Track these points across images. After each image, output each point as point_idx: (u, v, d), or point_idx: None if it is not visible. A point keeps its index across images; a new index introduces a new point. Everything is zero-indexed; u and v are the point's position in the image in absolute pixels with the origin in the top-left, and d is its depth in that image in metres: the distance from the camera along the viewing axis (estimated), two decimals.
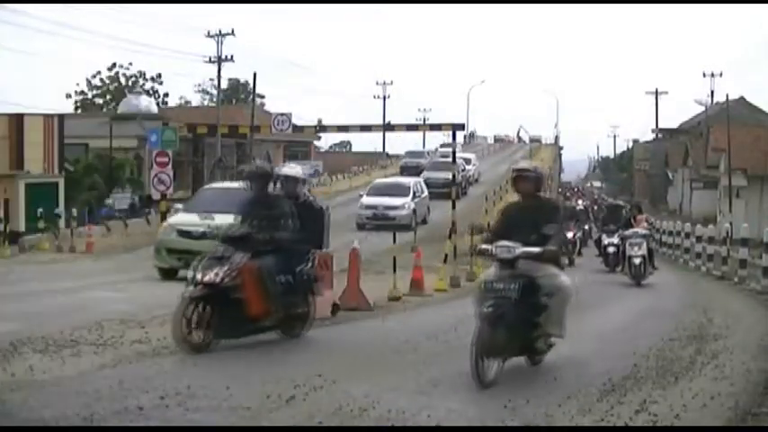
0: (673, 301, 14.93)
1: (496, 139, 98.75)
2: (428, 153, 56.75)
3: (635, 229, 19.12)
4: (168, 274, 15.53)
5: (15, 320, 9.90)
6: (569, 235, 22.31)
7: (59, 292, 13.30)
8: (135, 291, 13.72)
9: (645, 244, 18.45)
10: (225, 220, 12.03)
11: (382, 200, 30.23)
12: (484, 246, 7.76)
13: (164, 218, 19.63)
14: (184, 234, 15.70)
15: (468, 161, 45.94)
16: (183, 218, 16.58)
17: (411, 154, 56.13)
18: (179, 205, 18.86)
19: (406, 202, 30.10)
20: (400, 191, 31.20)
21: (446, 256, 17.92)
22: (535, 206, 7.94)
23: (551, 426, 6.06)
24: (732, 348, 9.32)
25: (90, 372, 7.43)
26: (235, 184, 12.85)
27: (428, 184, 36.24)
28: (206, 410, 6.15)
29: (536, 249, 7.46)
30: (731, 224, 26.30)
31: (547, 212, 7.87)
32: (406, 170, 47.10)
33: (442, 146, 61.92)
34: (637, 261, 18.29)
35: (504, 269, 7.48)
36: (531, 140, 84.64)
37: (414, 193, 31.00)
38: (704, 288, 17.71)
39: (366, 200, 30.78)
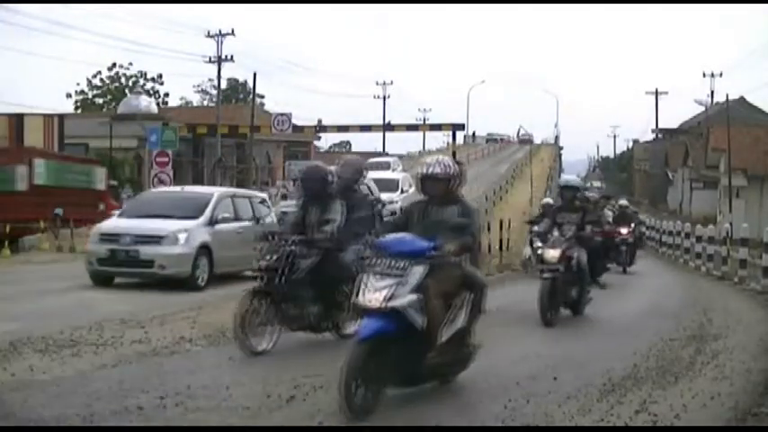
0: (673, 301, 14.93)
1: (489, 139, 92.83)
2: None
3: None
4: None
5: (15, 321, 9.91)
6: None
7: (59, 292, 13.30)
8: (134, 291, 13.71)
9: (572, 236, 11.57)
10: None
11: (139, 225, 14.27)
12: None
13: None
14: None
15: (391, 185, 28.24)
16: None
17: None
18: None
19: (185, 228, 14.17)
20: (187, 209, 14.91)
21: None
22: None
23: (551, 426, 6.06)
24: (732, 348, 9.33)
25: (90, 372, 7.44)
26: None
27: None
28: (206, 410, 6.16)
29: None
30: (731, 224, 26.29)
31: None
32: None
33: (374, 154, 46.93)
34: (546, 276, 10.96)
35: None
36: (521, 140, 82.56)
37: (211, 214, 14.84)
38: (704, 288, 17.70)
39: (109, 225, 15.25)
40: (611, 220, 21.31)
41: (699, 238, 22.69)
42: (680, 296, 15.89)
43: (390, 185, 28.13)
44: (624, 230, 21.55)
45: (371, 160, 45.38)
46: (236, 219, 15.43)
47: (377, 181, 25.72)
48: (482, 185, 46.13)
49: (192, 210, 14.96)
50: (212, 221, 14.84)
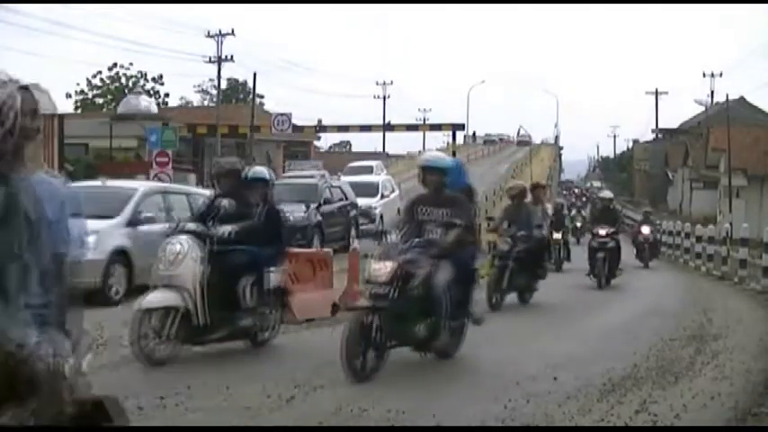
0: (673, 301, 14.93)
1: (486, 140, 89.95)
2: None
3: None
4: None
5: None
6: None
7: None
8: None
9: (418, 244, 7.79)
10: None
11: None
12: None
13: None
14: None
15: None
16: None
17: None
18: None
19: (95, 230, 11.14)
20: (104, 207, 12.34)
21: None
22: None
23: (551, 426, 6.05)
24: (732, 348, 9.32)
25: (90, 372, 7.41)
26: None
27: None
28: (206, 410, 6.16)
29: None
30: (731, 224, 26.27)
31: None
32: None
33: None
34: (359, 305, 7.81)
35: None
36: (520, 141, 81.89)
37: (131, 213, 13.12)
38: (704, 288, 17.69)
39: None
40: (549, 220, 16.22)
41: (699, 238, 22.67)
42: (680, 296, 15.88)
43: (369, 190, 25.60)
44: (603, 231, 16.62)
45: (352, 164, 42.28)
46: (169, 219, 12.15)
47: (354, 185, 23.75)
48: (482, 185, 46.19)
49: (110, 208, 12.44)
50: (133, 222, 12.60)
